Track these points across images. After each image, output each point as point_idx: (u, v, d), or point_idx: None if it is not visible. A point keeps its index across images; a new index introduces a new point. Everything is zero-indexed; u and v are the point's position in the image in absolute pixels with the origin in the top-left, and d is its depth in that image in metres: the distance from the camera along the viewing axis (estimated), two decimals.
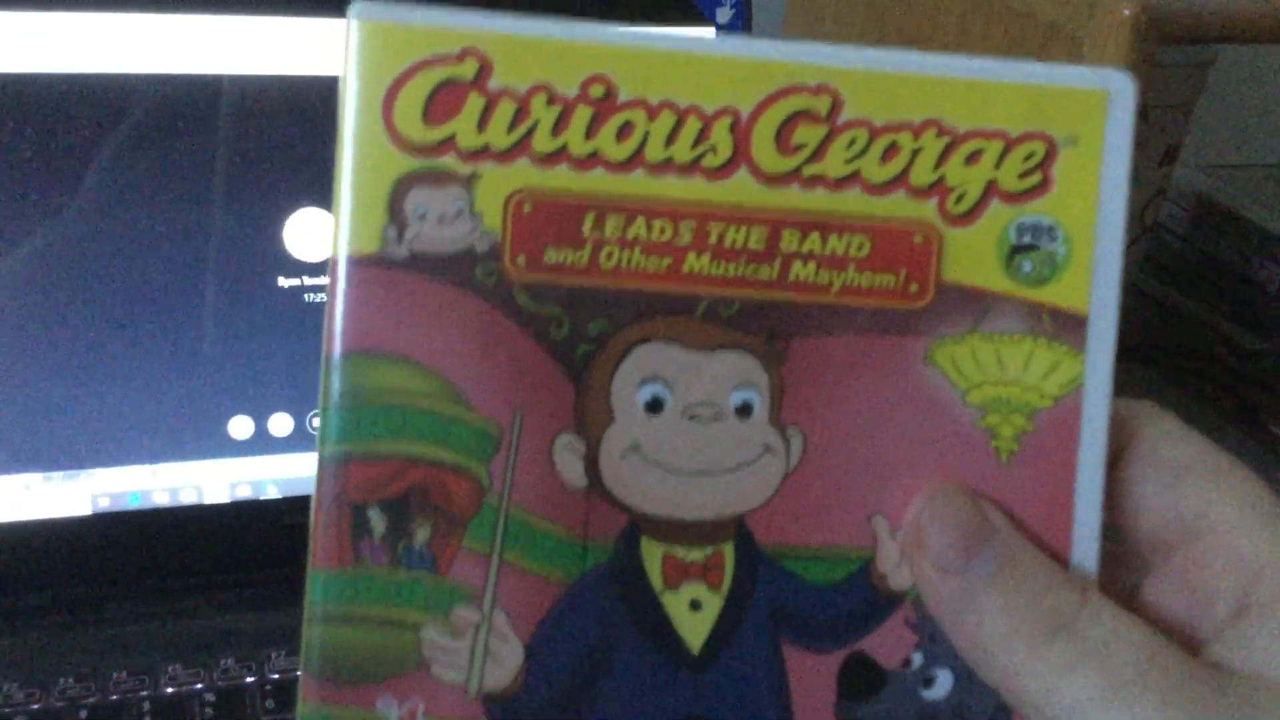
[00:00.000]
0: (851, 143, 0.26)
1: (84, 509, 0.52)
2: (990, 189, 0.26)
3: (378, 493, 0.25)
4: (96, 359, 0.50)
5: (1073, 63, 0.52)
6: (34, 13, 0.47)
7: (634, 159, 0.26)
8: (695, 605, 0.26)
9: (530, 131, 0.25)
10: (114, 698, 0.46)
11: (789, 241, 0.26)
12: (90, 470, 0.51)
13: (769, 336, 0.26)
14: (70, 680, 0.46)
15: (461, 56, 0.25)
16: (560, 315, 0.26)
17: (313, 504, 0.26)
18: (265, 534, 0.53)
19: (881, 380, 0.26)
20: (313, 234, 0.52)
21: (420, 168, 0.25)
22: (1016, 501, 0.26)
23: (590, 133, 0.25)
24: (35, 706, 0.45)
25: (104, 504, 0.52)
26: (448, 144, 0.25)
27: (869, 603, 0.27)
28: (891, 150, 0.26)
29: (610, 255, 0.26)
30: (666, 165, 0.26)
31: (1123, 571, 0.27)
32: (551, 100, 0.25)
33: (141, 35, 0.48)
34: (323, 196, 0.51)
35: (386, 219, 0.25)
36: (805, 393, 0.26)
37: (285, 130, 0.51)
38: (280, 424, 0.53)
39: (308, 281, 0.52)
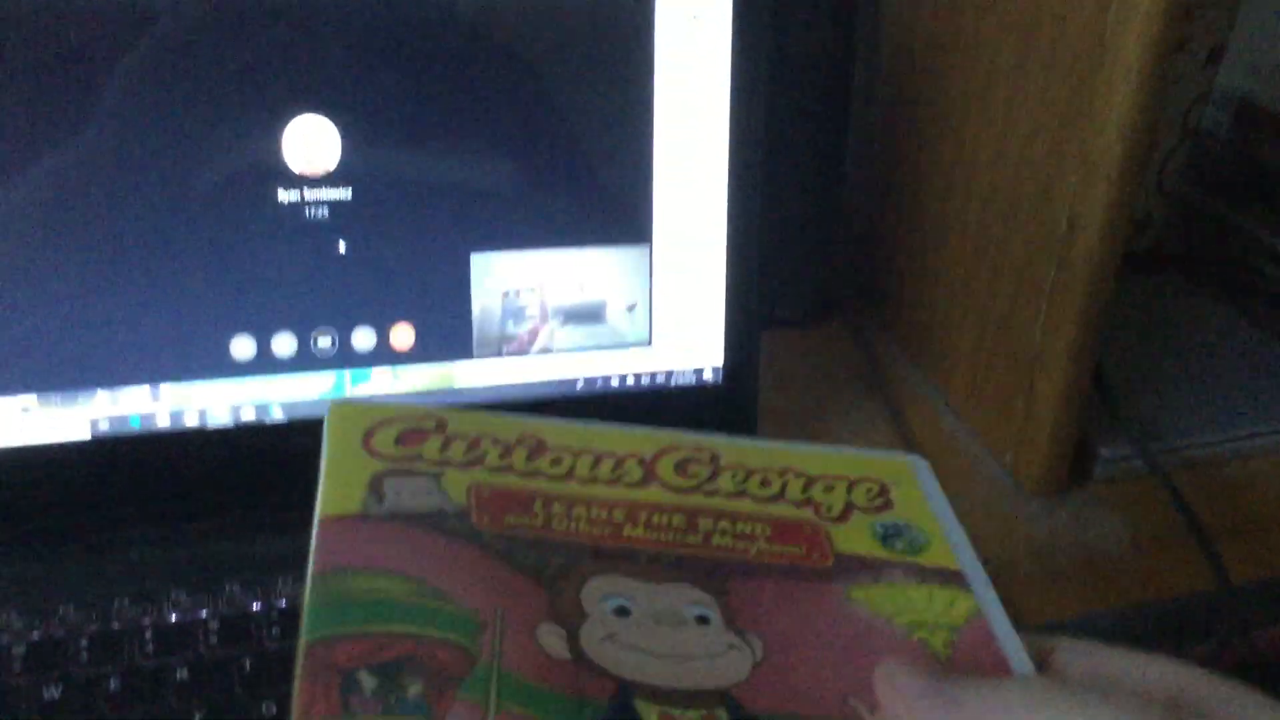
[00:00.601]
0: (734, 475, 0.35)
1: (83, 433, 0.50)
2: (849, 505, 0.35)
3: (366, 660, 0.26)
4: (93, 277, 0.49)
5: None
6: None
7: (567, 476, 0.33)
8: None
9: (482, 456, 0.33)
10: (116, 625, 0.44)
11: (705, 524, 0.33)
12: (90, 391, 0.50)
13: (708, 576, 0.31)
14: (71, 608, 0.45)
15: (423, 417, 0.33)
16: (525, 552, 0.31)
17: (295, 682, 0.25)
18: (270, 457, 0.52)
19: (816, 611, 0.31)
20: (311, 144, 0.50)
21: (395, 467, 0.32)
22: None
23: (530, 458, 0.33)
24: (35, 635, 0.44)
25: (104, 428, 0.50)
26: (416, 458, 0.33)
27: None
28: (766, 481, 0.35)
29: (560, 522, 0.32)
30: (593, 480, 0.33)
31: None
32: (495, 442, 0.34)
33: None
34: (321, 102, 0.49)
35: (367, 491, 0.31)
36: (752, 616, 0.31)
37: (280, 37, 0.48)
38: (283, 344, 0.52)
39: (308, 195, 0.50)
